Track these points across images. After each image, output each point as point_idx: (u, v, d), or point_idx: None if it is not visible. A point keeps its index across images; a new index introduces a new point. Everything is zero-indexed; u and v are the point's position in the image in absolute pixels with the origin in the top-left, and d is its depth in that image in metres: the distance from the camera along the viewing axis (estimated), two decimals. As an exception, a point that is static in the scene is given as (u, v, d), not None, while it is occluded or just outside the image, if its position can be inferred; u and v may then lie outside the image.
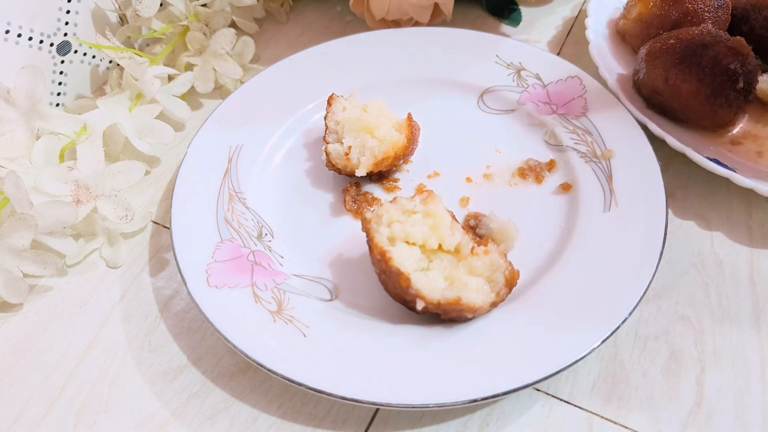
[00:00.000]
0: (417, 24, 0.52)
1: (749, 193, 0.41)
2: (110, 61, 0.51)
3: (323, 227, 0.40)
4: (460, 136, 0.44)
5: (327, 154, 0.40)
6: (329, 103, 0.42)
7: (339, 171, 0.41)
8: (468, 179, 0.42)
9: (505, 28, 0.55)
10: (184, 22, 0.48)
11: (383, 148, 0.39)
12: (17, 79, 0.39)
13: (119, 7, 0.50)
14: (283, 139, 0.45)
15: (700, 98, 0.41)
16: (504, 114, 0.45)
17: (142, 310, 0.38)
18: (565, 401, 0.33)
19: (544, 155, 0.43)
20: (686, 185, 0.42)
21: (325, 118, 0.42)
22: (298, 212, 0.41)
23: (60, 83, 0.48)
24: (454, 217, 0.35)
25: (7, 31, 0.43)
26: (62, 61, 0.48)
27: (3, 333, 0.38)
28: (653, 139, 0.41)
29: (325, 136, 0.41)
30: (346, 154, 0.39)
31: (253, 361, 0.32)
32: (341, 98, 0.42)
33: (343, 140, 0.40)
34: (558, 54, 0.52)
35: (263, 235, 0.39)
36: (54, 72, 0.47)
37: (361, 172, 0.39)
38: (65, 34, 0.47)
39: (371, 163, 0.39)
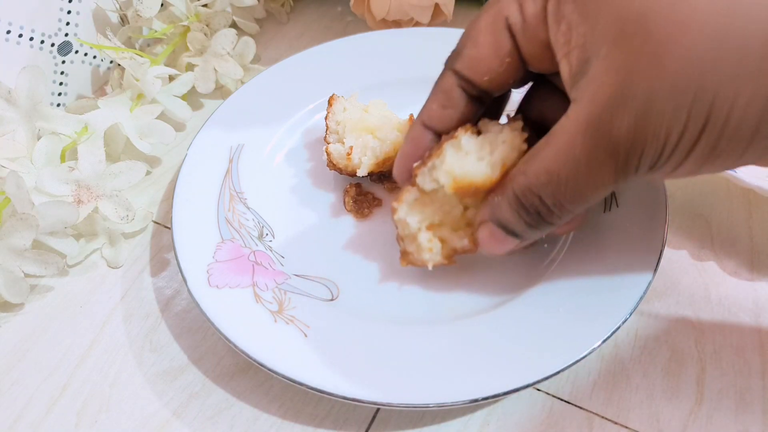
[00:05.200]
0: (417, 24, 0.53)
1: (749, 193, 0.41)
2: (111, 62, 0.52)
3: (324, 227, 0.40)
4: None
5: (328, 154, 0.40)
6: (330, 104, 0.42)
7: (340, 171, 0.41)
8: (468, 179, 0.42)
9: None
10: (185, 23, 0.48)
11: (384, 148, 0.39)
12: (18, 79, 0.39)
13: (120, 8, 0.50)
14: (283, 139, 0.45)
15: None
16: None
17: (143, 310, 0.38)
18: (565, 401, 0.34)
19: (544, 155, 0.43)
20: (686, 185, 0.42)
21: (325, 118, 0.42)
22: (299, 212, 0.41)
23: (61, 83, 0.48)
24: None
25: (8, 32, 0.44)
26: (63, 62, 0.48)
27: (4, 333, 0.38)
28: (653, 139, 0.41)
29: (326, 137, 0.41)
30: (348, 154, 0.39)
31: (254, 360, 0.32)
32: (342, 99, 0.42)
33: (345, 140, 0.40)
34: (558, 54, 0.52)
35: (264, 235, 0.39)
36: (55, 72, 0.48)
37: (362, 172, 0.39)
38: (66, 35, 0.47)
39: (372, 163, 0.39)
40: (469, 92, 0.31)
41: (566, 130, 0.25)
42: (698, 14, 0.22)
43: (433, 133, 0.32)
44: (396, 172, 0.34)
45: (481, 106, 0.32)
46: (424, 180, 0.32)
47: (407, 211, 0.33)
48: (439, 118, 0.31)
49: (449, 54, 0.31)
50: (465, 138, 0.31)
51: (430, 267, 0.34)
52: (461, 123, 0.31)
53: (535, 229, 0.29)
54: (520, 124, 0.31)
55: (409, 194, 0.33)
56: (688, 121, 0.23)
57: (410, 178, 0.33)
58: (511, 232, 0.30)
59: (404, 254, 0.35)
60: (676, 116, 0.23)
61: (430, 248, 0.33)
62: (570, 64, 0.26)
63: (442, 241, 0.33)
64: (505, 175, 0.31)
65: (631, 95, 0.23)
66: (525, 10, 0.28)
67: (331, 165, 0.41)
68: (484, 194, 0.31)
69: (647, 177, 0.26)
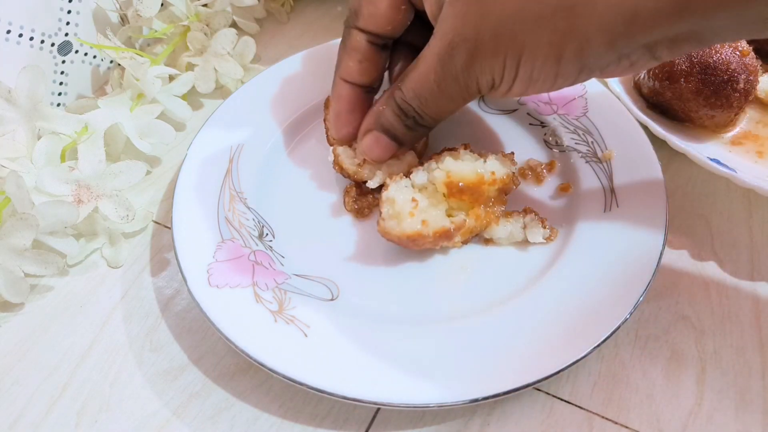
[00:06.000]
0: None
1: (749, 193, 0.41)
2: (111, 61, 0.52)
3: (324, 227, 0.40)
4: (460, 136, 0.44)
5: (336, 155, 0.40)
6: (326, 107, 0.42)
7: (346, 175, 0.40)
8: (468, 179, 0.42)
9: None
10: (185, 23, 0.48)
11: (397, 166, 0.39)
12: (18, 79, 0.39)
13: (120, 7, 0.50)
14: (284, 139, 0.45)
15: (701, 98, 0.41)
16: (504, 114, 0.46)
17: (143, 310, 0.38)
18: (565, 401, 0.34)
19: (544, 155, 0.43)
20: (686, 185, 0.42)
21: (324, 120, 0.42)
22: (299, 212, 0.41)
23: (61, 83, 0.48)
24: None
25: (8, 31, 0.44)
26: (63, 61, 0.48)
27: (4, 333, 0.38)
28: (654, 139, 0.41)
29: (328, 137, 0.41)
30: (359, 165, 0.39)
31: (254, 360, 0.32)
32: None
33: (354, 146, 0.39)
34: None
35: (264, 235, 0.39)
36: (55, 72, 0.48)
37: (373, 184, 0.38)
38: (66, 34, 0.47)
39: (385, 177, 0.38)
40: (376, 43, 0.36)
41: (426, 58, 0.32)
42: None
43: (355, 87, 0.37)
44: (336, 134, 0.39)
45: (387, 50, 0.37)
46: (418, 175, 0.37)
47: (396, 189, 0.36)
48: (358, 72, 0.37)
49: (347, 15, 0.36)
50: (463, 151, 0.37)
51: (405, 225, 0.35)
52: (378, 72, 0.37)
53: (413, 131, 0.35)
54: (511, 154, 0.38)
55: (401, 181, 0.37)
56: (505, 62, 0.29)
57: (351, 137, 0.38)
58: (392, 136, 0.36)
59: (381, 222, 0.36)
60: (495, 59, 0.29)
61: (410, 212, 0.35)
62: (431, 5, 0.32)
63: (424, 222, 0.35)
64: (494, 183, 0.36)
65: (465, 37, 0.30)
66: None
67: (338, 167, 0.40)
68: (468, 199, 0.36)
69: (492, 96, 0.32)
